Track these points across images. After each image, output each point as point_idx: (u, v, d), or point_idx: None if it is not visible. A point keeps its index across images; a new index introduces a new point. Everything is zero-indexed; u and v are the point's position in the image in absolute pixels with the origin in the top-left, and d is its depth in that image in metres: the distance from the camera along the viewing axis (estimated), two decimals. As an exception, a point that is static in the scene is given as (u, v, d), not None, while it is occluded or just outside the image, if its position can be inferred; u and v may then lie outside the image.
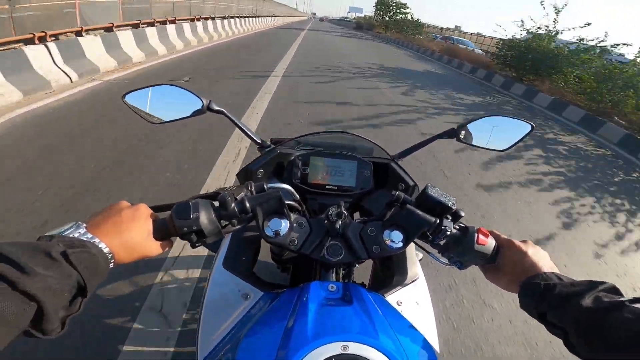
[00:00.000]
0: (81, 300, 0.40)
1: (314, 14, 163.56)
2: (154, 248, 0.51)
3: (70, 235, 0.42)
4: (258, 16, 22.56)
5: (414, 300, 0.71)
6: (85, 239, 0.42)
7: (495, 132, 0.87)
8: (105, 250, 0.43)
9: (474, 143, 0.86)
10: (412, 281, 0.75)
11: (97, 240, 0.43)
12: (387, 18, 33.33)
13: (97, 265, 0.41)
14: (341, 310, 0.53)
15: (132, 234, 0.47)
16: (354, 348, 0.44)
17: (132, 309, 1.57)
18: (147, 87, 0.78)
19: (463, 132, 0.86)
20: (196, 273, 1.80)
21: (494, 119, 0.87)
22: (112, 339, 1.44)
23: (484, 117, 0.86)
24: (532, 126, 0.85)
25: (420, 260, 0.91)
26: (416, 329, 0.55)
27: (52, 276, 0.35)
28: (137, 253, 0.48)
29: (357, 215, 0.98)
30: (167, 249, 0.54)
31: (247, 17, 18.70)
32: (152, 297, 1.65)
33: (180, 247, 1.92)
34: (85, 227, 0.44)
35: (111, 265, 0.44)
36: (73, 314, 0.39)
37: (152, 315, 1.56)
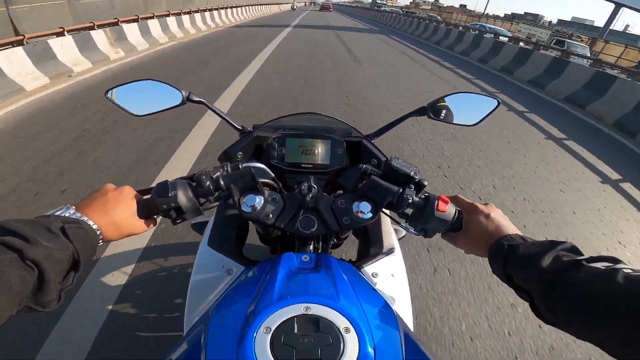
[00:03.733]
0: (74, 275, 0.43)
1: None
2: (138, 226, 0.55)
3: (64, 215, 0.46)
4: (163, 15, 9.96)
5: (389, 272, 0.74)
6: (76, 217, 0.46)
7: (463, 109, 0.91)
8: (94, 227, 0.47)
9: (443, 119, 0.90)
10: (388, 254, 0.78)
11: (85, 218, 0.47)
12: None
13: (89, 241, 0.45)
14: (308, 277, 0.57)
15: (118, 213, 0.51)
16: (315, 309, 0.47)
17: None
18: (128, 82, 0.82)
19: (433, 110, 0.90)
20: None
21: (462, 95, 0.91)
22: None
23: (452, 94, 0.90)
24: (498, 102, 0.90)
25: (401, 238, 0.96)
26: (381, 296, 0.58)
27: (53, 247, 0.39)
28: (124, 230, 0.52)
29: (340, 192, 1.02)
30: (151, 226, 0.58)
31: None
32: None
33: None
34: (75, 208, 0.48)
35: (100, 242, 0.48)
36: (67, 287, 0.43)
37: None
